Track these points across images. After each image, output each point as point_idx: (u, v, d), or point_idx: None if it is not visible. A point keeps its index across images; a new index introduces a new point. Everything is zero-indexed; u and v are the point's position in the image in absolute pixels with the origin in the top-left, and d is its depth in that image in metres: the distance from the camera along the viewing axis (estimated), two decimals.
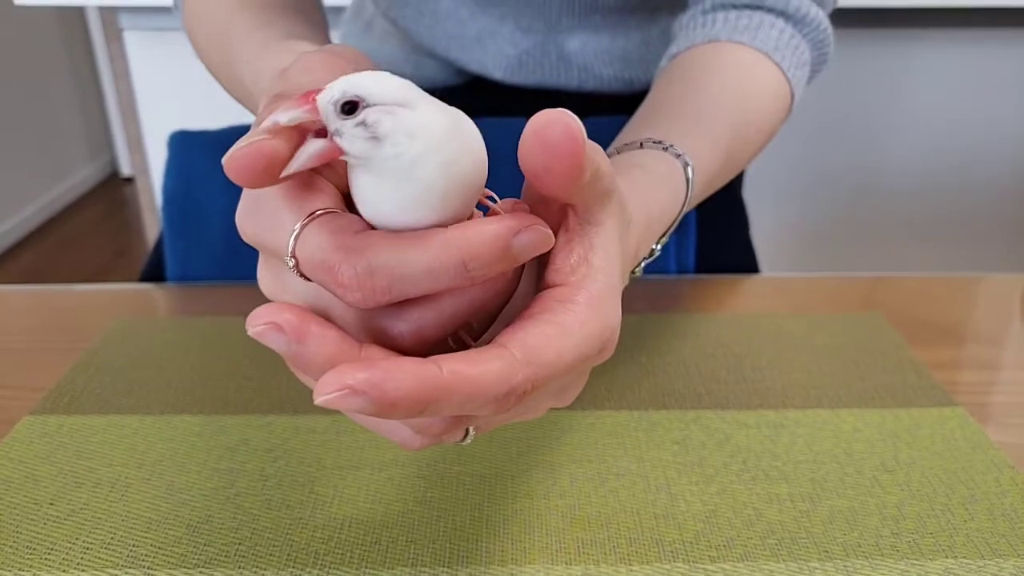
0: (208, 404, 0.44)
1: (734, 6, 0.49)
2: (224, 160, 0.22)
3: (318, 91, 0.22)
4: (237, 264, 0.62)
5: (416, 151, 0.22)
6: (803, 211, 1.70)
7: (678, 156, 0.39)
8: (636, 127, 0.42)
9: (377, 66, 0.28)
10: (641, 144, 0.39)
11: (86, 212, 2.82)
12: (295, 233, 0.23)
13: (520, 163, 0.23)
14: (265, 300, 0.25)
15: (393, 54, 0.73)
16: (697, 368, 0.48)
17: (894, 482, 0.38)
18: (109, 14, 1.46)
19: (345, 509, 0.36)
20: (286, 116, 0.22)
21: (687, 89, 0.45)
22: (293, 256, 0.23)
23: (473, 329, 0.26)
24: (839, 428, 0.42)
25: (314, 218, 0.23)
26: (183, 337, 0.51)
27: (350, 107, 0.22)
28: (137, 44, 1.47)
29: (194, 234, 0.61)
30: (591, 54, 0.66)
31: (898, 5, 1.40)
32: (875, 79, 1.58)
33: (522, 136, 0.23)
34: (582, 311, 0.24)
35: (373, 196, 0.23)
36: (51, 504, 0.37)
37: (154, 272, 0.65)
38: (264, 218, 0.24)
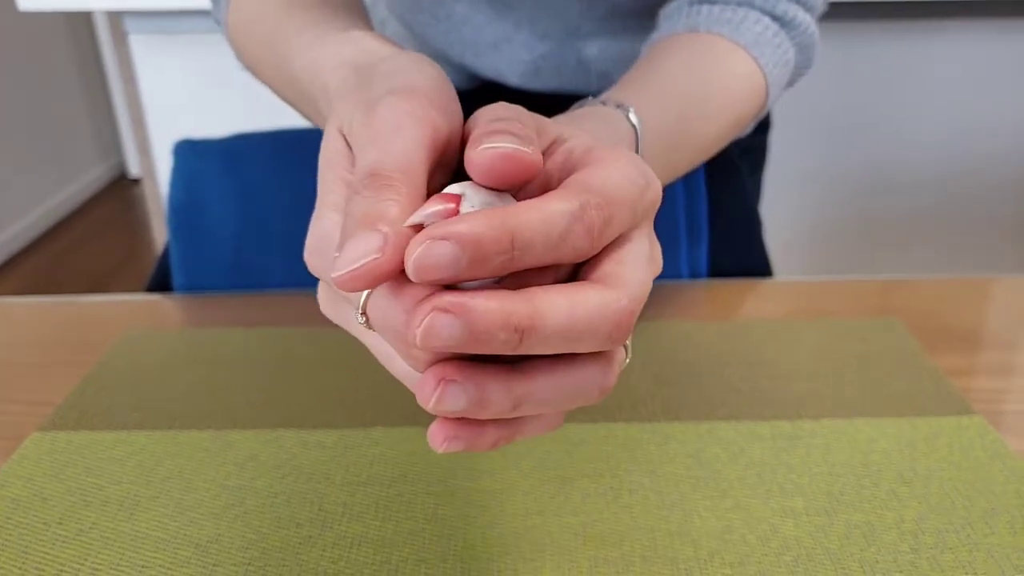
0: (216, 419, 0.44)
1: (721, 0, 0.49)
2: (335, 278, 0.20)
3: (456, 198, 0.22)
4: (244, 273, 0.61)
5: None
6: (814, 208, 1.69)
7: (618, 106, 0.39)
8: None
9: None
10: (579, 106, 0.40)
11: (96, 213, 2.83)
12: (366, 293, 0.22)
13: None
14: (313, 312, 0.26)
15: None
16: (711, 378, 0.47)
17: (912, 495, 0.38)
18: (115, 18, 1.46)
19: (354, 527, 0.36)
20: (423, 216, 0.22)
21: (647, 68, 0.45)
22: (364, 314, 0.22)
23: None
24: (855, 438, 0.42)
25: None
26: (190, 350, 0.51)
27: None
28: (143, 47, 1.47)
29: (200, 243, 0.60)
30: (610, 60, 0.65)
31: None
32: (888, 73, 1.56)
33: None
34: (601, 153, 0.24)
35: None
36: (59, 524, 0.37)
37: (161, 281, 0.64)
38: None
